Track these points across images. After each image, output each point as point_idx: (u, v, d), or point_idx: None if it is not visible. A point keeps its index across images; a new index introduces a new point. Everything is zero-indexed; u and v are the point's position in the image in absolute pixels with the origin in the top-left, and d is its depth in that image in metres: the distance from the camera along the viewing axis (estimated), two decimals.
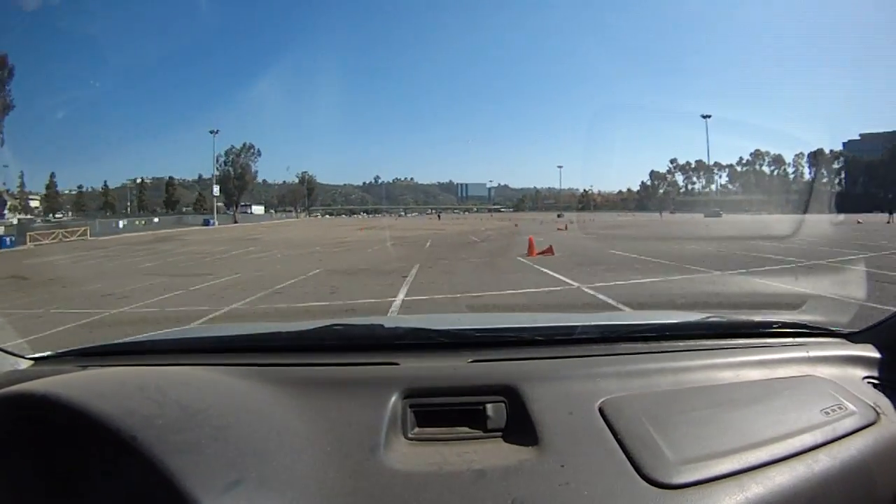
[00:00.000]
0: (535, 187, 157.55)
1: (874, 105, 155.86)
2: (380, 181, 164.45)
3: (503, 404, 0.82)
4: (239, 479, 0.60)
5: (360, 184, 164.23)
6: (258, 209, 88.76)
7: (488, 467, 0.69)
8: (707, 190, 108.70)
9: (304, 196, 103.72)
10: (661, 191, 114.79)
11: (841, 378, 0.98)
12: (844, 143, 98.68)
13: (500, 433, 0.79)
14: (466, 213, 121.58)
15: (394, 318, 0.96)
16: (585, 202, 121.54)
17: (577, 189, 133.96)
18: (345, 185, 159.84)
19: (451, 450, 0.74)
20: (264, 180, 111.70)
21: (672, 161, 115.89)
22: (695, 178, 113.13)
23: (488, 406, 0.81)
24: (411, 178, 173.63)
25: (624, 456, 0.71)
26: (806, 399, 0.90)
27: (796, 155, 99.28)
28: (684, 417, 0.80)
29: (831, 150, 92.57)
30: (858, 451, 0.80)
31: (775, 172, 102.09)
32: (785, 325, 1.16)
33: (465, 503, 0.64)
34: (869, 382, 1.01)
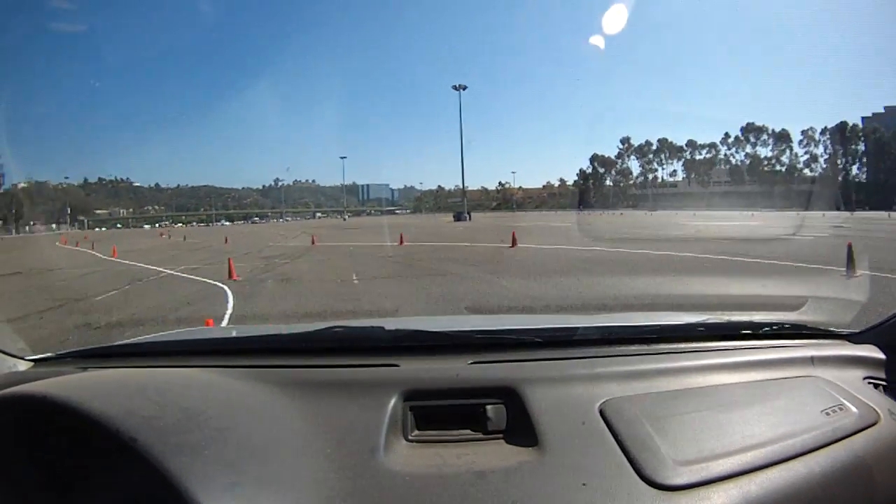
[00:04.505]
0: (440, 186, 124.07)
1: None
2: (280, 183, 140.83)
3: (503, 406, 0.82)
4: (238, 480, 0.60)
5: (259, 187, 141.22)
6: None
7: (488, 469, 0.69)
8: (674, 180, 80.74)
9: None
10: (608, 181, 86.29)
11: (842, 379, 0.98)
12: (864, 118, 67.10)
13: (500, 435, 0.78)
14: (342, 216, 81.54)
15: (394, 320, 1.13)
16: (503, 199, 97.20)
17: (488, 186, 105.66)
18: (243, 188, 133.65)
19: (450, 451, 0.73)
20: None
21: (624, 141, 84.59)
22: (656, 164, 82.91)
23: (488, 408, 0.81)
24: (313, 181, 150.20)
25: (624, 457, 0.71)
26: (806, 400, 0.90)
27: (804, 131, 68.69)
28: (684, 419, 0.80)
29: (853, 126, 63.91)
30: (859, 452, 0.80)
31: (783, 154, 71.41)
32: (785, 325, 1.17)
33: None
34: (870, 383, 1.01)
